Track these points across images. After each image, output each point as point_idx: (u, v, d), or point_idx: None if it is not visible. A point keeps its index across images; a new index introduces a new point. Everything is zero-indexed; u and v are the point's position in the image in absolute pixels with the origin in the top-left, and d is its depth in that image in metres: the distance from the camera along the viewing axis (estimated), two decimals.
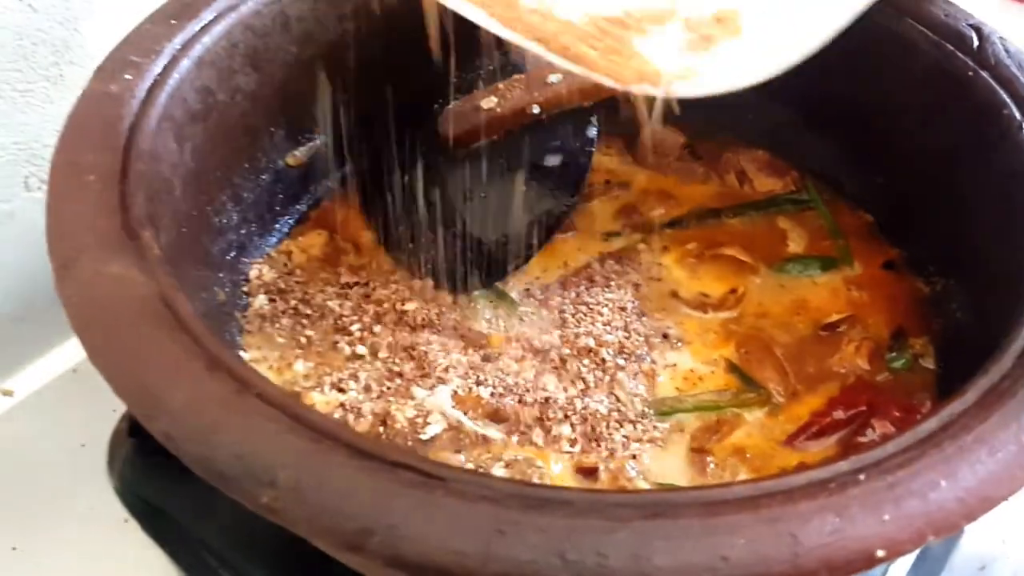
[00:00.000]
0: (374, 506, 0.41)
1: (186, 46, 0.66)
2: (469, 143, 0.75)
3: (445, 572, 0.40)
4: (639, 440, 0.65)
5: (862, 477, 0.43)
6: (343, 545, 0.41)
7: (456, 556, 0.40)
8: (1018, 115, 0.63)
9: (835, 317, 0.73)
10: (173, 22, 0.67)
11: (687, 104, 0.89)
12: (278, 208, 0.81)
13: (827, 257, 0.78)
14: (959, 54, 0.69)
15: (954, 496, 0.43)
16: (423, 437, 0.64)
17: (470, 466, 0.63)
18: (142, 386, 0.46)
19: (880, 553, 0.41)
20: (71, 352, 0.90)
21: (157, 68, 0.64)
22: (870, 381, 0.69)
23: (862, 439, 0.64)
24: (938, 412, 0.47)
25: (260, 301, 0.74)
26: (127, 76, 0.62)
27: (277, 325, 0.73)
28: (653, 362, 0.70)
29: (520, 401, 0.66)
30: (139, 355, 0.48)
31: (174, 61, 0.65)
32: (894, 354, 0.71)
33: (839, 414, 0.65)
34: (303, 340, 0.71)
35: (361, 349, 0.69)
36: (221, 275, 0.72)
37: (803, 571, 0.40)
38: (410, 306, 0.72)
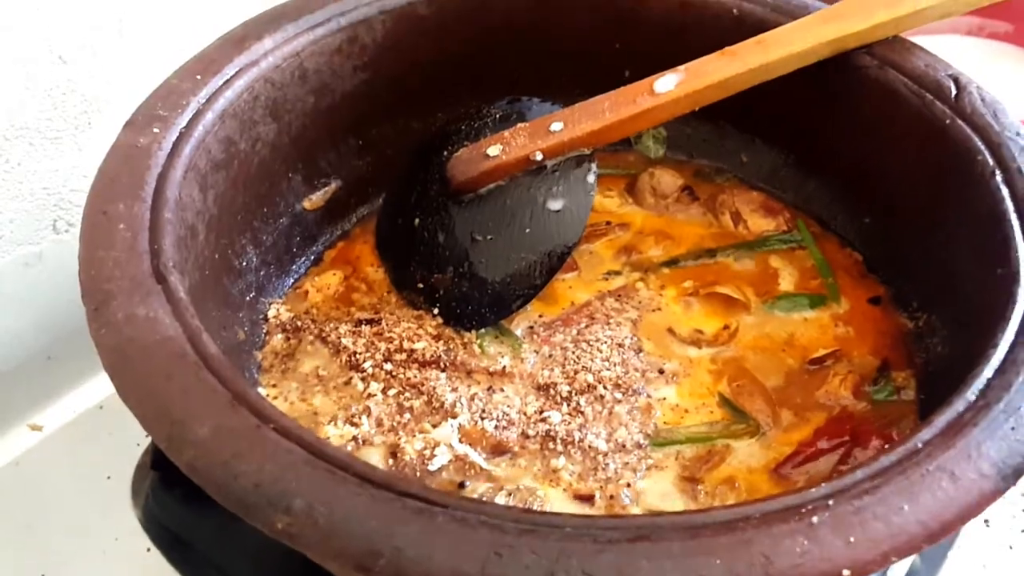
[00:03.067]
0: (381, 531, 0.45)
1: (210, 100, 0.71)
2: (476, 188, 0.79)
3: None
4: (634, 470, 0.68)
5: (831, 503, 0.46)
6: (352, 567, 0.45)
7: None
8: (991, 161, 0.67)
9: (822, 352, 0.76)
10: (198, 78, 0.71)
11: (691, 149, 0.94)
12: (295, 250, 0.85)
13: (816, 295, 0.81)
14: (938, 103, 0.72)
15: (916, 520, 0.46)
16: (431, 468, 0.67)
17: (475, 496, 0.66)
18: (168, 420, 0.50)
19: (846, 573, 0.44)
20: (97, 389, 0.93)
21: (183, 121, 0.68)
22: (854, 412, 0.72)
23: (844, 468, 0.66)
24: (905, 442, 0.50)
25: (277, 339, 0.77)
26: (155, 129, 0.67)
27: (293, 362, 0.76)
28: (649, 396, 0.73)
29: (523, 434, 0.70)
30: (166, 392, 0.51)
31: (199, 115, 0.69)
32: (878, 386, 0.73)
33: (823, 444, 0.68)
34: (318, 377, 0.75)
35: (374, 386, 0.72)
36: (241, 315, 0.75)
37: None
38: (419, 344, 0.75)
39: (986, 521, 0.77)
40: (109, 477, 0.84)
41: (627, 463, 0.68)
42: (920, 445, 0.50)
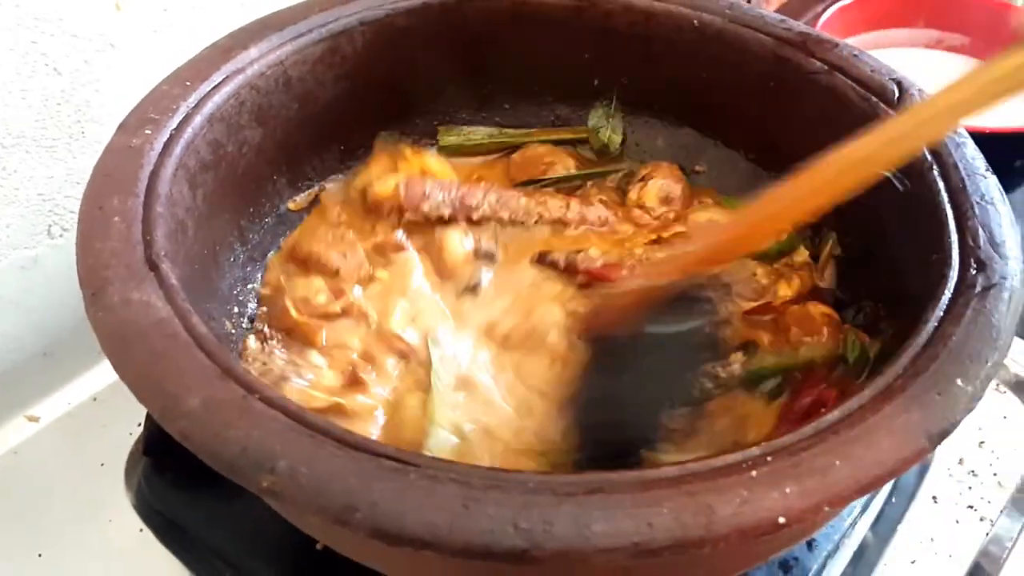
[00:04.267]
0: (358, 487, 0.48)
1: (199, 104, 0.74)
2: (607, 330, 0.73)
3: (418, 541, 0.47)
4: None
5: (770, 459, 0.50)
6: (331, 520, 0.48)
7: (427, 527, 0.47)
8: (928, 157, 0.71)
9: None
10: (188, 83, 0.75)
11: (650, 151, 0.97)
12: (280, 248, 0.88)
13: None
14: (882, 105, 0.77)
15: (848, 474, 0.50)
16: None
17: None
18: (162, 393, 0.53)
19: (782, 520, 0.48)
20: (91, 382, 0.97)
21: (173, 124, 0.72)
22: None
23: None
24: (840, 406, 0.54)
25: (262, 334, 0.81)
26: (147, 131, 0.70)
27: (277, 355, 0.80)
28: None
29: None
30: (159, 367, 0.54)
31: (188, 118, 0.73)
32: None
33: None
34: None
35: None
36: (227, 308, 0.79)
37: (717, 535, 0.47)
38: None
39: (934, 497, 0.81)
40: (103, 464, 0.87)
41: None
42: (854, 409, 0.54)
